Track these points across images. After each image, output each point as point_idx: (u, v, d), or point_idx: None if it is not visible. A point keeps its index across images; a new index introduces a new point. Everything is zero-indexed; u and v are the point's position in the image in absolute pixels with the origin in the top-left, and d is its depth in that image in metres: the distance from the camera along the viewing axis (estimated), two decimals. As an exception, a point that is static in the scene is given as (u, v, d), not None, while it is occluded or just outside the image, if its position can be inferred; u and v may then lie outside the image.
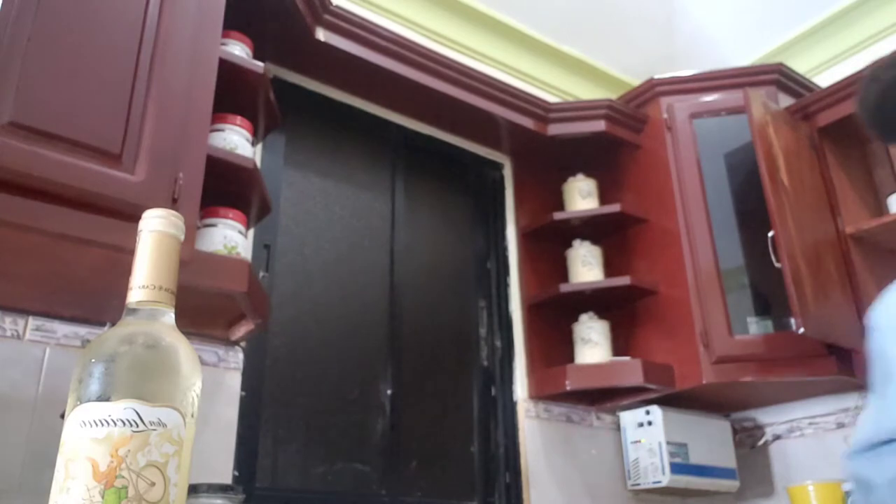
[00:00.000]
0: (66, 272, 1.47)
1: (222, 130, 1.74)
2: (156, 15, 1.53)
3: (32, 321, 1.63)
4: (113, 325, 0.63)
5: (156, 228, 0.65)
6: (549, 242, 2.70)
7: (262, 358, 2.01)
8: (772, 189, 2.18)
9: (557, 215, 2.60)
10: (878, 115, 0.95)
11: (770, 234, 2.18)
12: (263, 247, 2.10)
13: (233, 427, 1.85)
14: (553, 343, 2.56)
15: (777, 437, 2.67)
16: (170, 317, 0.65)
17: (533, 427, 2.43)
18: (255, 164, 1.75)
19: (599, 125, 2.63)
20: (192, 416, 0.61)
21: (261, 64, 1.83)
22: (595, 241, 2.63)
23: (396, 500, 2.12)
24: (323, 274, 2.25)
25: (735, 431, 2.68)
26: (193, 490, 1.40)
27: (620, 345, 2.52)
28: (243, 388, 1.91)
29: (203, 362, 1.81)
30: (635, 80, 3.05)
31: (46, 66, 1.35)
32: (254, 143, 1.87)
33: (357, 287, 2.28)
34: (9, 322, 1.60)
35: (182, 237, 0.67)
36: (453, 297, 2.52)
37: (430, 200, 2.60)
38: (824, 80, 2.70)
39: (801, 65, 2.88)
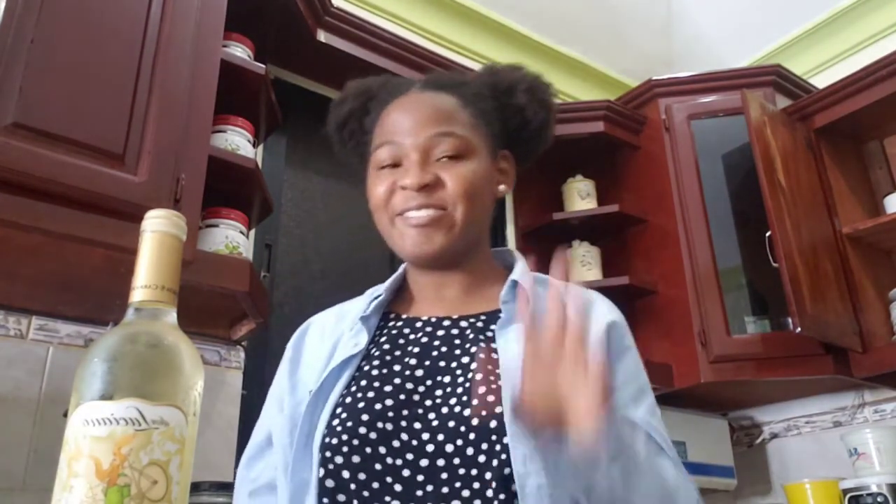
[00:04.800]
0: (69, 272, 1.49)
1: (224, 131, 1.75)
2: (158, 17, 1.54)
3: (36, 321, 1.64)
4: (116, 324, 0.64)
5: (158, 229, 0.66)
6: (549, 243, 2.70)
7: (264, 357, 2.02)
8: (769, 190, 2.18)
9: (557, 216, 2.60)
10: (337, 135, 1.11)
11: (767, 234, 2.19)
12: (265, 247, 2.11)
13: (234, 425, 1.86)
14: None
15: (774, 436, 2.68)
16: (172, 316, 0.65)
17: (532, 426, 2.43)
18: (256, 165, 1.76)
19: (598, 126, 2.64)
20: (194, 414, 0.62)
21: (262, 65, 1.84)
22: (594, 242, 2.64)
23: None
24: (324, 274, 2.26)
25: (733, 430, 2.69)
26: (195, 488, 1.41)
27: (619, 344, 2.52)
28: (244, 386, 1.92)
29: (205, 361, 1.82)
30: (634, 82, 3.05)
31: (49, 68, 1.36)
32: (255, 144, 1.88)
33: (358, 286, 2.25)
34: (12, 322, 1.61)
35: (184, 237, 0.67)
36: (453, 297, 2.52)
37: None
38: (821, 81, 2.70)
39: (798, 66, 2.88)
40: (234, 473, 1.80)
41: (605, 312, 0.94)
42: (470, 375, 0.87)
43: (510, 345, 0.87)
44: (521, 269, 0.98)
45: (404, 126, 0.96)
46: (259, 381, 1.98)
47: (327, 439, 0.85)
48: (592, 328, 0.88)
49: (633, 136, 2.70)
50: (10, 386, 1.56)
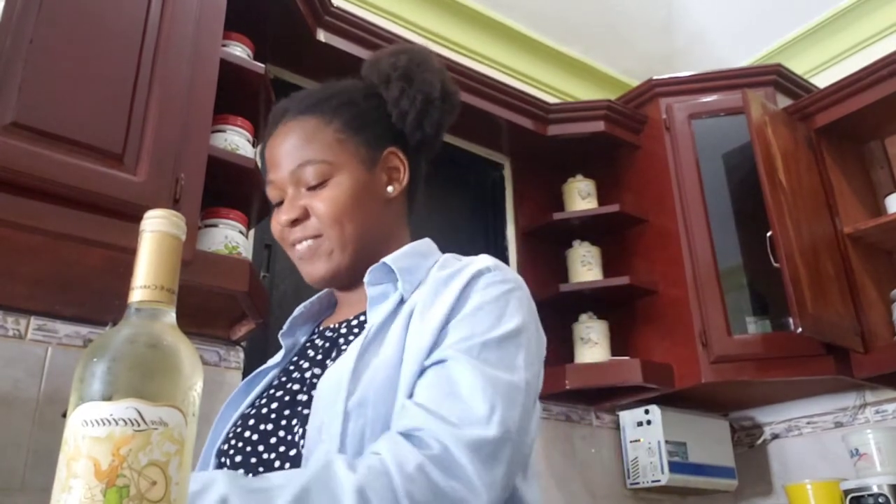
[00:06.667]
0: (68, 272, 1.48)
1: (223, 131, 1.74)
2: (157, 16, 1.54)
3: (34, 321, 1.64)
4: (114, 324, 0.64)
5: (157, 228, 0.65)
6: (549, 243, 2.71)
7: (263, 357, 2.00)
8: (770, 189, 2.18)
9: (557, 215, 2.60)
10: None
11: (768, 234, 2.19)
12: (264, 247, 2.11)
13: (233, 426, 1.86)
14: (552, 343, 2.49)
15: (775, 437, 2.68)
16: (171, 316, 0.65)
17: (532, 426, 2.43)
18: (256, 165, 1.76)
19: (599, 126, 2.64)
20: (194, 415, 0.61)
21: (261, 65, 1.83)
22: (594, 242, 2.64)
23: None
24: (323, 274, 2.25)
25: (734, 430, 2.69)
26: (194, 488, 1.41)
27: (619, 344, 2.52)
28: (244, 387, 1.92)
29: (204, 362, 1.82)
30: (634, 81, 3.05)
31: (49, 68, 1.36)
32: (255, 144, 1.87)
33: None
34: (11, 322, 1.61)
35: (183, 237, 0.67)
36: (453, 297, 2.51)
37: (429, 201, 2.60)
38: (822, 80, 2.70)
39: (799, 66, 2.88)
40: (234, 474, 1.80)
41: (469, 271, 0.93)
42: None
43: (370, 326, 0.89)
44: (403, 252, 0.97)
45: (274, 163, 0.98)
46: (259, 381, 1.98)
47: (222, 445, 0.92)
48: (446, 294, 0.89)
49: (634, 136, 2.70)
50: (8, 386, 1.56)
